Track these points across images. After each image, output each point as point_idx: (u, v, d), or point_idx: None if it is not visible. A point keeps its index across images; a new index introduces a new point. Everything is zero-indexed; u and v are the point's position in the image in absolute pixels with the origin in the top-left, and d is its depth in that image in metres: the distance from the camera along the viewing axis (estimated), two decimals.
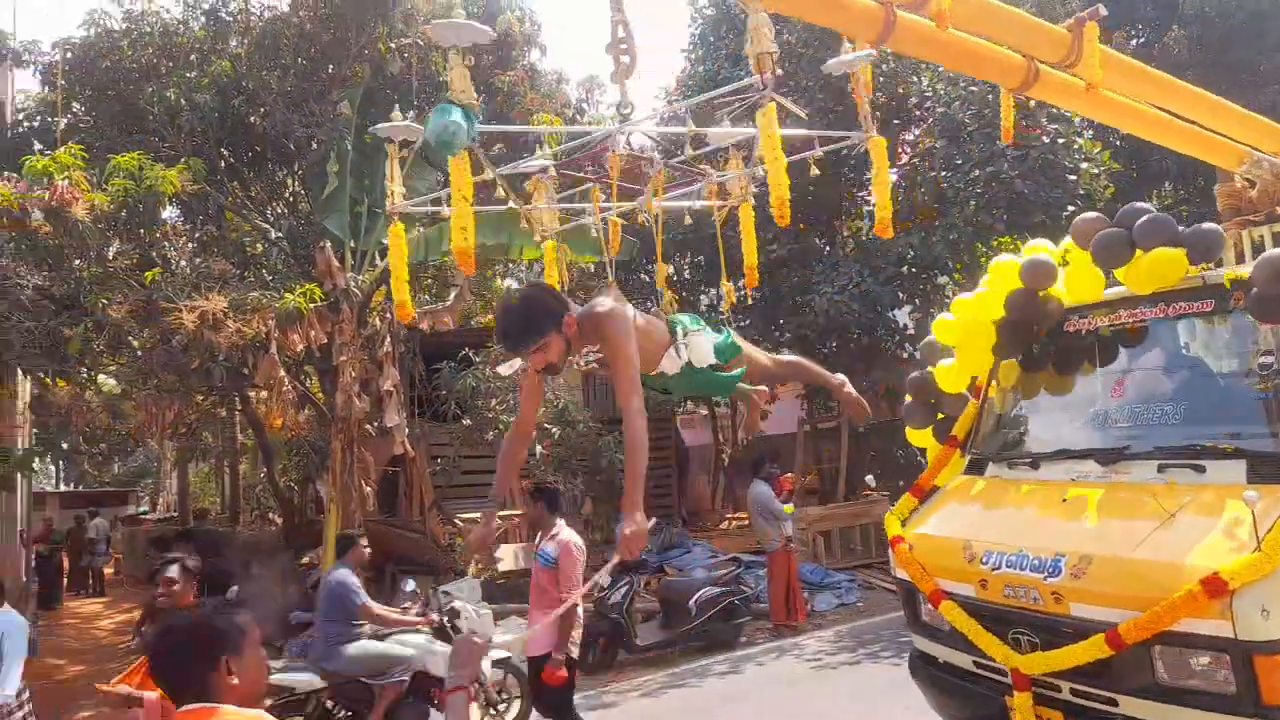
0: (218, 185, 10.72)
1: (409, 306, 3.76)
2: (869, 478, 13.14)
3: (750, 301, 14.52)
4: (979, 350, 4.74)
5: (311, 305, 8.99)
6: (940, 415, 5.12)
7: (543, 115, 11.38)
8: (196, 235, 9.27)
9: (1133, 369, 4.28)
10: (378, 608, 6.27)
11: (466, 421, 11.96)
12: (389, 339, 10.29)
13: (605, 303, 3.19)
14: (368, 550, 6.59)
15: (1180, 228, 4.01)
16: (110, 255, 8.61)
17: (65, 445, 10.42)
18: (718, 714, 6.83)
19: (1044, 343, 4.55)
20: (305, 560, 12.37)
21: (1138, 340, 4.22)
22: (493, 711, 6.58)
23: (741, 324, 13.51)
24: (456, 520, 11.98)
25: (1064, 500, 3.90)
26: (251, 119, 10.46)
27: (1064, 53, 3.92)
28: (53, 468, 25.76)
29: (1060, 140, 11.22)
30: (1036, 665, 3.55)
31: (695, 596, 8.73)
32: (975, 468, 4.62)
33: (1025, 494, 4.17)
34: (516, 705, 6.62)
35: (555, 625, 4.91)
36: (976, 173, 11.44)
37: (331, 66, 10.94)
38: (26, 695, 5.26)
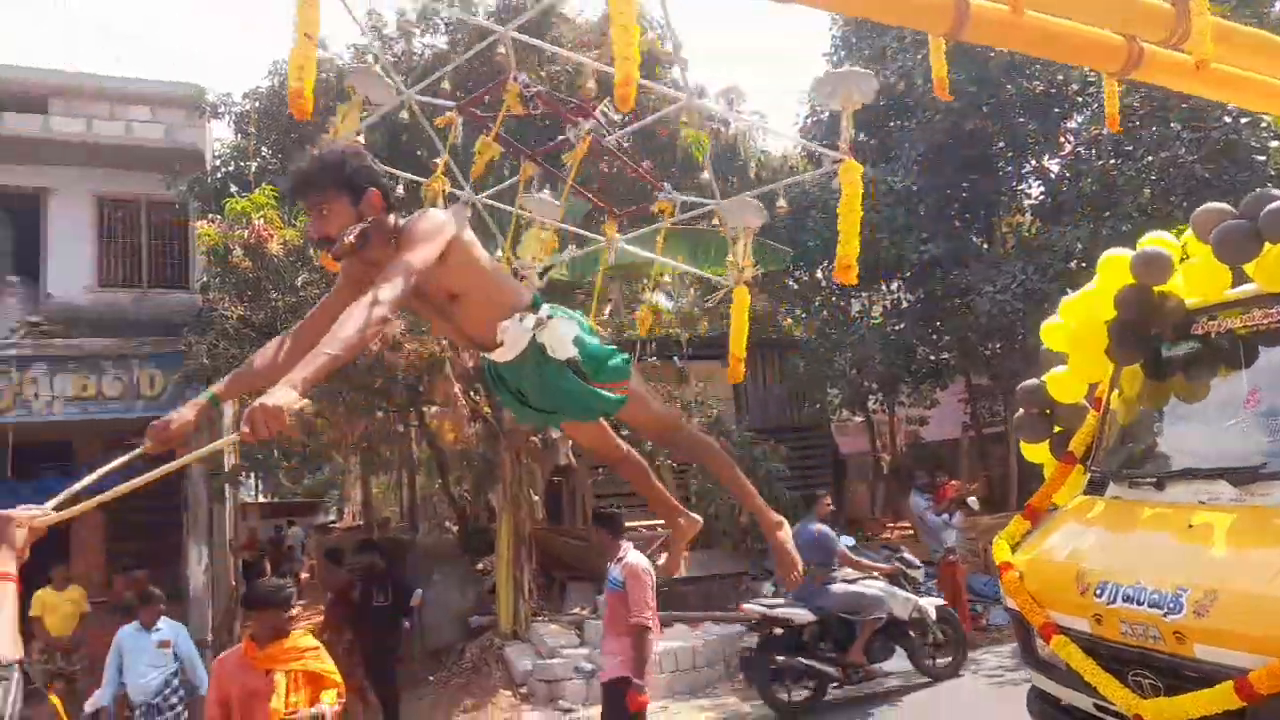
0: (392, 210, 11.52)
1: None
2: None
3: (904, 305, 14.16)
4: (1091, 356, 4.34)
5: None
6: (1057, 429, 4.73)
7: (689, 133, 11.55)
8: None
9: (1271, 377, 3.82)
10: (852, 554, 7.73)
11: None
12: None
13: (435, 212, 2.53)
14: (829, 505, 8.11)
15: None
16: (300, 285, 9.42)
17: (266, 460, 11.42)
18: None
19: (1169, 347, 4.13)
20: (479, 566, 13.01)
21: (1275, 344, 3.75)
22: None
23: (894, 328, 13.20)
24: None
25: (1189, 526, 3.50)
26: (417, 150, 11.15)
27: (1168, 29, 3.45)
28: (252, 482, 28.15)
29: (1244, 119, 10.36)
30: (1161, 713, 3.18)
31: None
32: (1095, 487, 4.28)
33: (1147, 518, 3.79)
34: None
35: (629, 650, 4.93)
36: (1149, 159, 10.73)
37: (489, 85, 11.52)
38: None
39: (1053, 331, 4.61)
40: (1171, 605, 3.20)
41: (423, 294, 2.45)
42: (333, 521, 30.85)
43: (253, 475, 15.39)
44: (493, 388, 2.88)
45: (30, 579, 9.99)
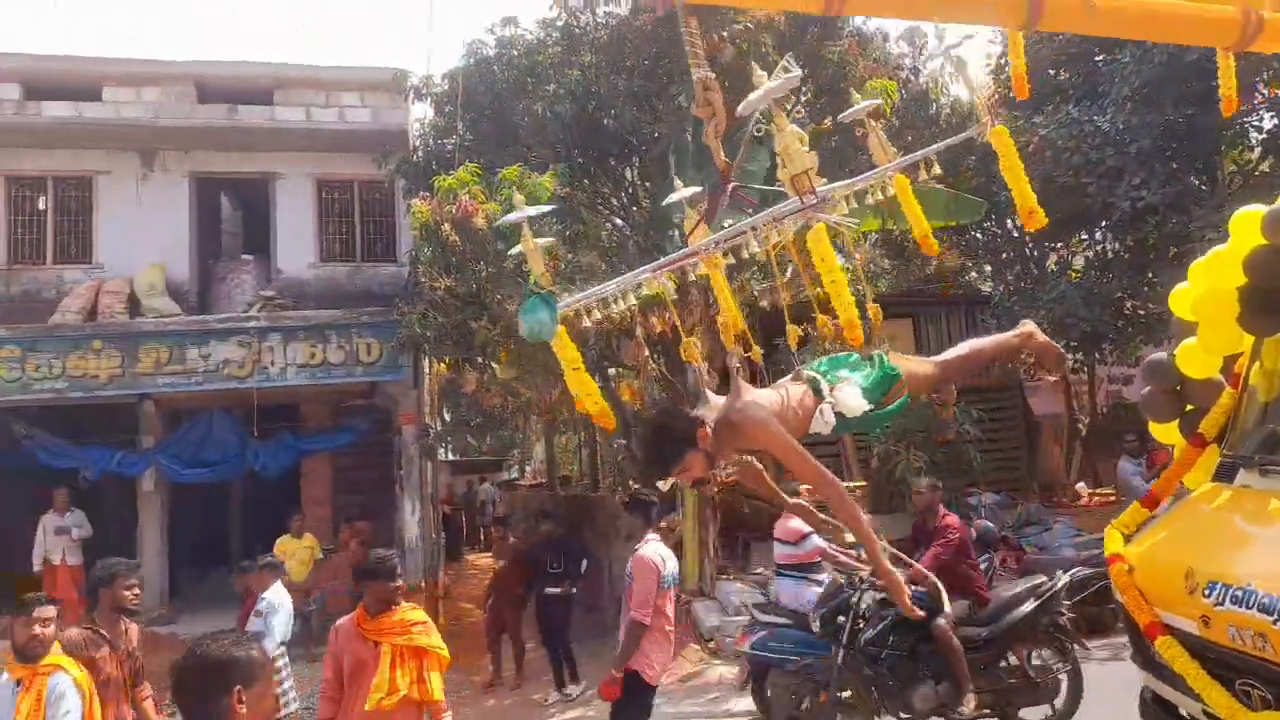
0: (576, 185, 11.89)
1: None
2: None
3: (1110, 255, 13.23)
4: (1222, 325, 3.86)
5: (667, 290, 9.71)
6: (1188, 407, 4.26)
7: (874, 83, 11.21)
8: (566, 234, 10.39)
9: None
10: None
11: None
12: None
13: (742, 408, 3.04)
14: None
15: None
16: (501, 255, 9.94)
17: (468, 419, 12.23)
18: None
19: None
20: (662, 524, 13.41)
21: None
22: None
23: (1104, 282, 12.37)
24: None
25: None
26: (605, 121, 11.43)
27: None
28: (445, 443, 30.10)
29: None
30: None
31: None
32: (1224, 473, 3.81)
33: (1273, 512, 3.38)
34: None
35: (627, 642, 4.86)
36: None
37: (670, 61, 11.63)
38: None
39: (1180, 298, 4.17)
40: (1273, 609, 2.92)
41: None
42: (516, 479, 32.51)
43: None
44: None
45: (273, 528, 11.19)
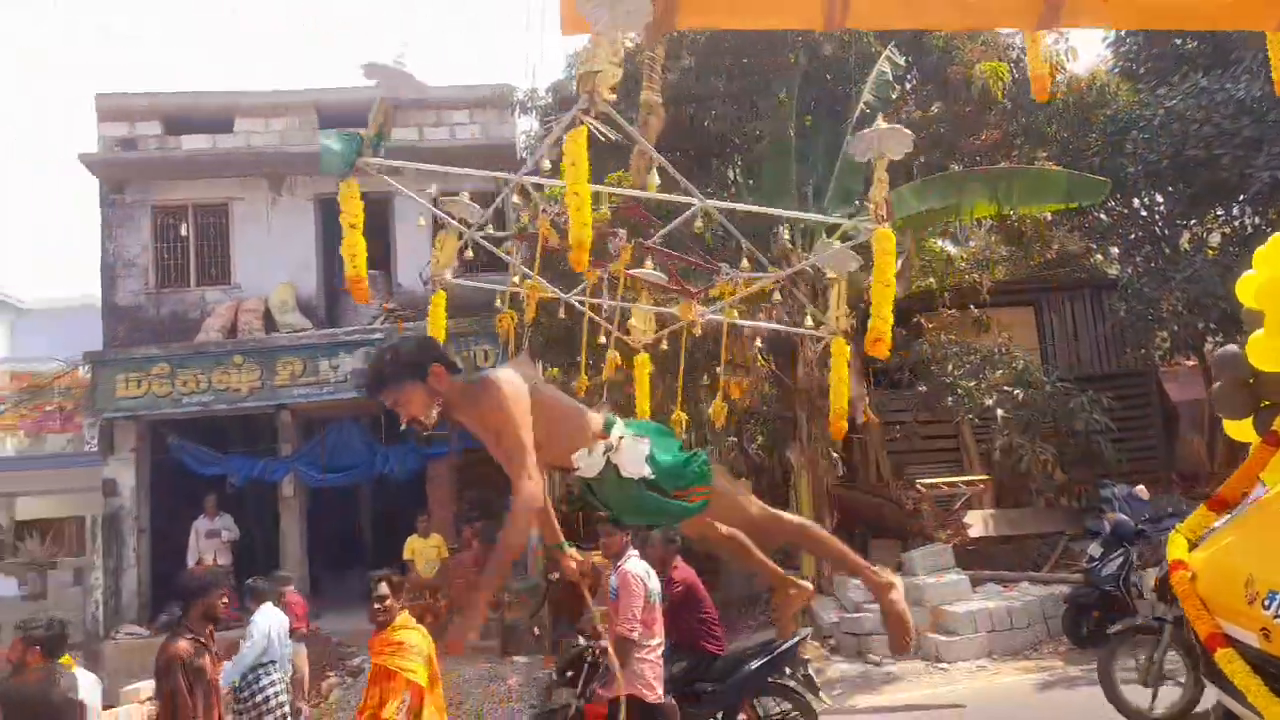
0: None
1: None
2: None
3: (1250, 230, 12.41)
4: None
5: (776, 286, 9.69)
6: (1264, 403, 3.92)
7: (984, 65, 10.88)
8: (672, 235, 10.52)
9: None
10: None
11: (922, 388, 11.97)
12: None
13: (499, 370, 2.87)
14: None
15: None
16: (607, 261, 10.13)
17: None
18: None
19: None
20: None
21: None
22: None
23: (1243, 260, 11.61)
24: (919, 486, 12.06)
25: None
26: (705, 123, 11.50)
27: None
28: None
29: None
30: None
31: None
32: None
33: None
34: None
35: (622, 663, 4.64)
36: None
37: (769, 59, 11.60)
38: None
39: (1246, 285, 3.83)
40: None
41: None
42: None
43: None
44: (585, 497, 3.12)
45: (401, 528, 11.70)
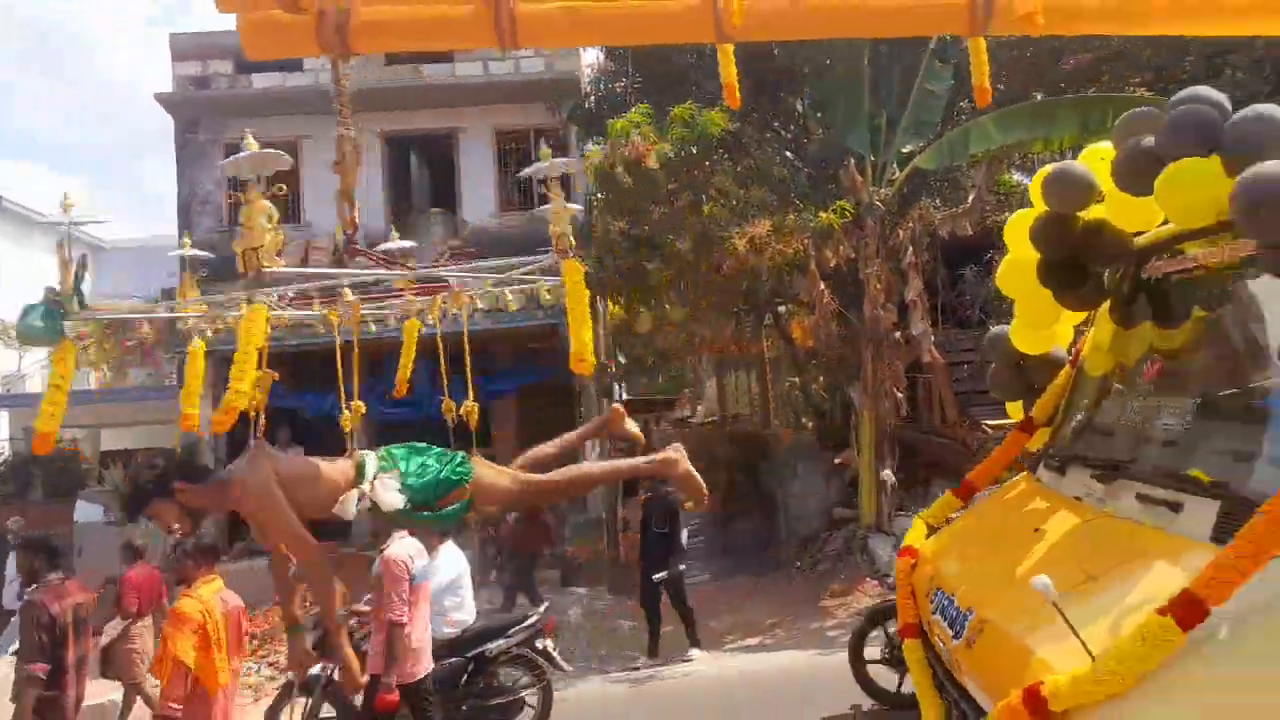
0: (746, 120, 11.76)
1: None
2: None
3: None
4: (1032, 299, 3.44)
5: (842, 221, 9.51)
6: (1034, 385, 3.77)
7: None
8: (737, 169, 10.34)
9: (1180, 343, 3.10)
10: None
11: (992, 326, 11.69)
12: (911, 249, 10.44)
13: (238, 470, 3.19)
14: None
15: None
16: (673, 194, 10.03)
17: (645, 356, 12.54)
18: None
19: (1120, 291, 3.21)
20: (837, 461, 13.35)
21: (1188, 299, 3.02)
22: None
23: None
24: (985, 426, 11.86)
25: (1035, 530, 2.88)
26: (774, 52, 11.19)
27: None
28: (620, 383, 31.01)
29: None
30: None
31: None
32: (1032, 462, 3.48)
33: (1024, 512, 3.16)
34: None
35: (382, 646, 4.75)
36: None
37: None
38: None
39: (1002, 267, 3.70)
40: (959, 627, 2.72)
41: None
42: (689, 416, 33.01)
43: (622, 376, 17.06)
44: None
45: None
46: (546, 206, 4.05)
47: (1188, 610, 1.95)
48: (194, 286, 5.39)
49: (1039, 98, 10.94)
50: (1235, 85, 10.82)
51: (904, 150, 10.82)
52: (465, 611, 5.76)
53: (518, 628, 6.14)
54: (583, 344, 3.67)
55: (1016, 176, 14.83)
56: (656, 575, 8.29)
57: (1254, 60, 10.61)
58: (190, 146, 14.01)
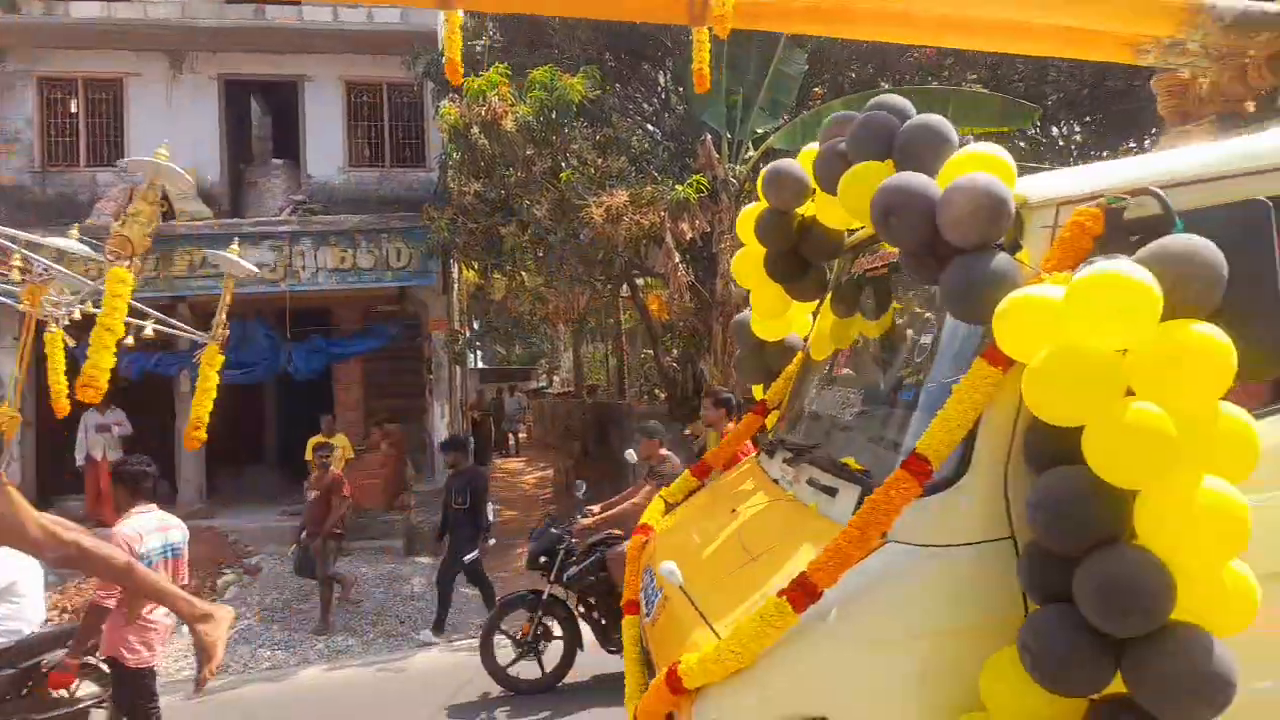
0: (607, 89, 11.67)
1: None
2: None
3: None
4: (762, 288, 3.63)
5: (698, 195, 9.60)
6: (774, 369, 3.97)
7: None
8: (597, 138, 10.24)
9: (878, 335, 3.26)
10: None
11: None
12: None
13: None
14: None
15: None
16: (530, 159, 9.83)
17: (498, 327, 12.31)
18: None
19: (844, 285, 3.40)
20: (687, 431, 13.62)
21: (883, 294, 3.21)
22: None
23: None
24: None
25: (732, 511, 3.06)
26: (638, 24, 11.11)
27: None
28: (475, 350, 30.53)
29: None
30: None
31: None
32: (761, 444, 3.64)
33: (733, 494, 3.32)
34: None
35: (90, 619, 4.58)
36: None
37: None
38: None
39: (735, 259, 3.86)
40: (650, 605, 2.88)
41: None
42: (545, 387, 32.89)
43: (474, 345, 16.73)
44: None
45: (306, 429, 11.42)
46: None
47: (801, 592, 2.12)
48: None
49: (885, 87, 11.39)
50: (1059, 87, 11.69)
51: (759, 130, 11.04)
52: (21, 620, 5.12)
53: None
54: (98, 370, 3.49)
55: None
56: (468, 555, 7.94)
57: (1074, 65, 11.44)
58: None
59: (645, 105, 13.35)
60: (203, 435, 5.06)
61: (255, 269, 5.76)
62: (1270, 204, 2.20)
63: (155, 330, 5.76)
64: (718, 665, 2.13)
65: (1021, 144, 13.57)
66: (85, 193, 12.76)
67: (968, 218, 2.20)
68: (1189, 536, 1.90)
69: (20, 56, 12.71)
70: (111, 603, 4.48)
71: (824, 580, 2.12)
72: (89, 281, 5.77)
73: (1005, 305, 2.09)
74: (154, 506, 4.88)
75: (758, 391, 4.14)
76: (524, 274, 11.18)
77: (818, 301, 3.65)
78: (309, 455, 11.03)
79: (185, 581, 4.93)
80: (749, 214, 3.50)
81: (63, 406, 6.11)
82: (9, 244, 4.78)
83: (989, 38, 3.81)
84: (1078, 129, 13.26)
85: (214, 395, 5.24)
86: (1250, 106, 3.32)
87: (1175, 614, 1.94)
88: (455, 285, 13.16)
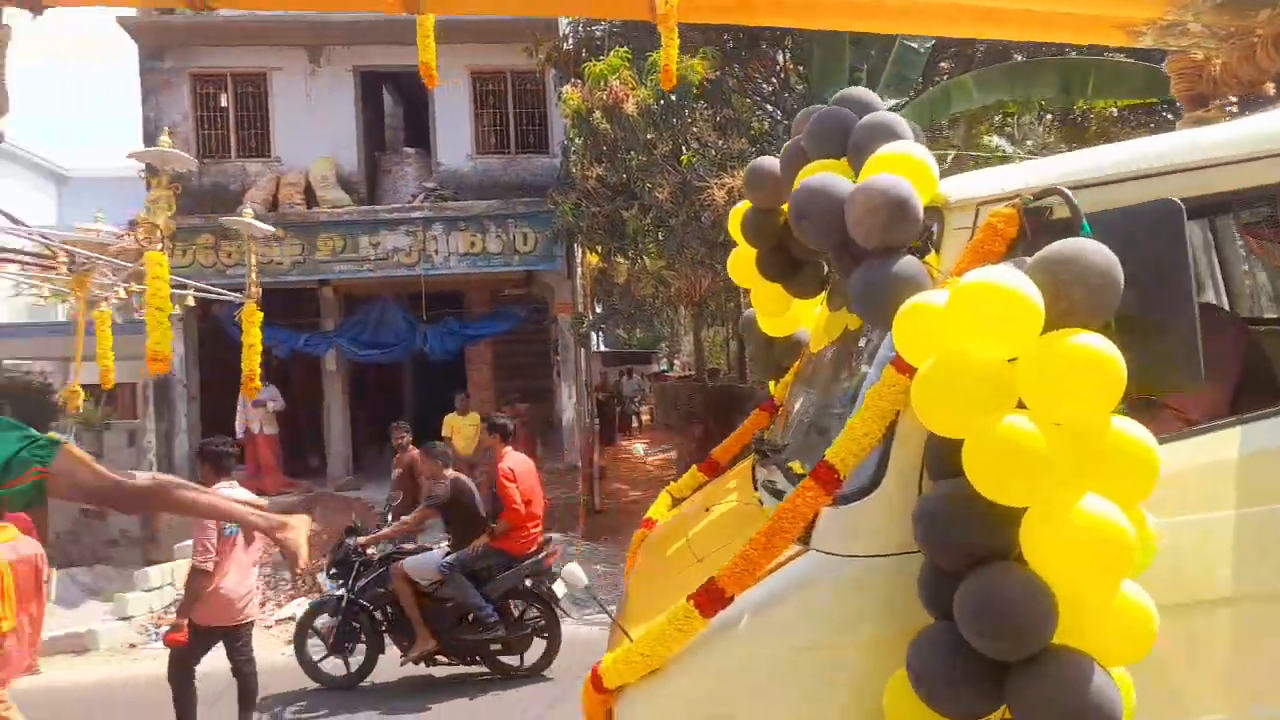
0: (727, 70, 11.59)
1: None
2: None
3: None
4: (759, 286, 3.44)
5: None
6: (784, 366, 3.81)
7: None
8: (717, 119, 10.19)
9: (854, 329, 3.04)
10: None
11: None
12: None
13: None
14: None
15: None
16: (652, 143, 9.89)
17: (621, 309, 12.47)
18: None
19: (835, 280, 3.19)
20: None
21: None
22: None
23: None
24: None
25: (706, 510, 3.05)
26: None
27: None
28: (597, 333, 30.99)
29: None
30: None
31: None
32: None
33: (717, 492, 3.32)
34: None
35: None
36: None
37: None
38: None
39: (730, 259, 3.68)
40: (619, 603, 2.96)
41: None
42: (666, 370, 33.09)
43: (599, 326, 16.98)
44: None
45: (440, 406, 11.89)
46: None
47: (709, 598, 2.14)
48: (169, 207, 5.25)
49: (1019, 58, 10.84)
50: None
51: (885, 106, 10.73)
52: None
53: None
54: (157, 345, 3.75)
55: (995, 141, 14.78)
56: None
57: None
58: (155, 75, 13.59)
59: (764, 85, 13.15)
60: (258, 384, 5.60)
61: (273, 229, 6.55)
62: (1182, 205, 1.99)
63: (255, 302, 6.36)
64: (628, 666, 2.19)
65: (1170, 116, 12.67)
66: (236, 182, 13.64)
67: (866, 219, 2.15)
68: (1070, 558, 1.80)
69: (176, 55, 13.65)
70: (210, 565, 4.95)
71: (731, 586, 2.14)
72: (128, 265, 6.36)
73: (901, 311, 2.03)
74: (235, 482, 5.30)
75: (772, 388, 4.07)
76: (646, 257, 11.28)
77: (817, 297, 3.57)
78: (446, 431, 11.55)
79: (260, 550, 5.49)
80: (736, 213, 3.41)
81: (109, 380, 6.98)
82: (51, 243, 5.33)
83: (960, 23, 3.70)
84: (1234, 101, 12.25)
85: (259, 350, 5.68)
86: (1270, 89, 3.12)
87: (1064, 639, 1.85)
88: (579, 269, 13.40)
